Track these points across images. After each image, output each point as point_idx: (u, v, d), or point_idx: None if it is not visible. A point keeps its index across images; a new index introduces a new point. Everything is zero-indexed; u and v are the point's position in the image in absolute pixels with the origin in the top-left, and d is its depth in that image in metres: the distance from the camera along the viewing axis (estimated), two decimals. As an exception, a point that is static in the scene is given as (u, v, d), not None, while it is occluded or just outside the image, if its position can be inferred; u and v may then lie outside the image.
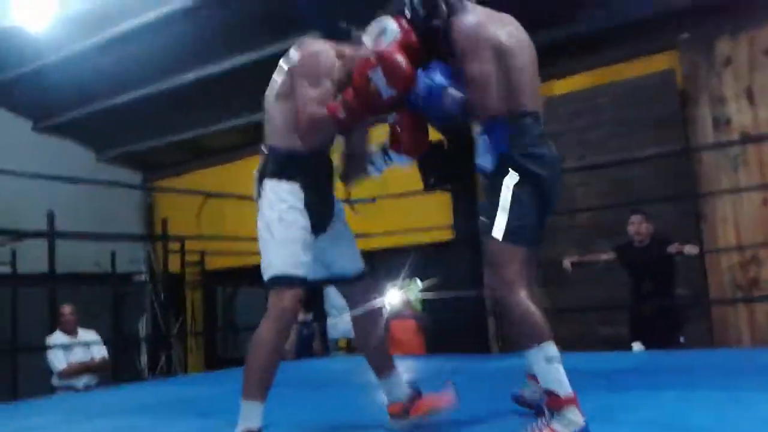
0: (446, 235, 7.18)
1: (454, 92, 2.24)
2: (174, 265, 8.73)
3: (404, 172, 7.18)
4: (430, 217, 6.97)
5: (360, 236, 6.34)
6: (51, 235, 6.02)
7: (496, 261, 2.18)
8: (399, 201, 6.55)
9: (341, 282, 2.51)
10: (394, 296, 6.47)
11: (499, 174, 2.22)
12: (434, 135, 7.74)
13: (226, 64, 6.96)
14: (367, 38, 2.32)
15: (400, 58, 2.18)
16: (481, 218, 2.26)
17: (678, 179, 5.74)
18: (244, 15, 6.29)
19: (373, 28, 2.33)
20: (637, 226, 4.85)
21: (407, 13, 2.32)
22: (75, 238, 6.97)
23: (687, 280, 5.33)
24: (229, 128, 8.45)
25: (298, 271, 2.22)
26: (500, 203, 2.18)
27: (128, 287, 9.46)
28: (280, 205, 2.25)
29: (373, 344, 2.50)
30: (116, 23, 6.54)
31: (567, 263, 5.09)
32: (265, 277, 2.24)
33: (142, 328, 9.53)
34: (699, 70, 5.86)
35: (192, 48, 6.82)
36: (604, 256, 5.16)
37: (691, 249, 4.71)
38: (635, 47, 6.20)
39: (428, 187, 6.96)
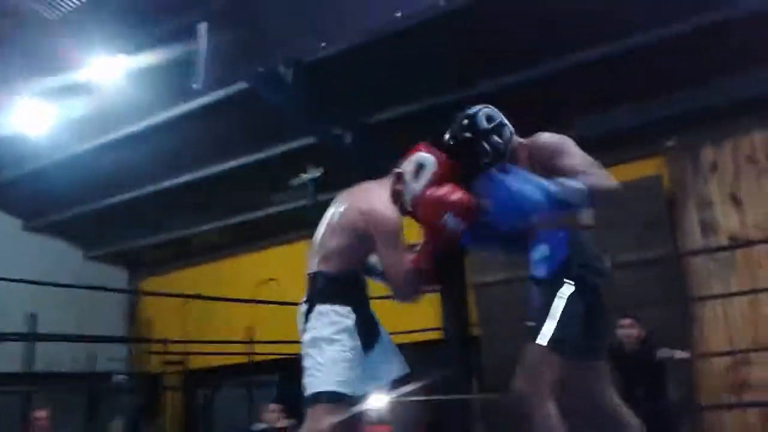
0: (435, 335, 7.11)
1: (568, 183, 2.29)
2: (155, 365, 8.53)
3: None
4: (419, 318, 6.92)
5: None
6: (32, 337, 5.90)
7: (534, 366, 2.16)
8: (387, 304, 6.52)
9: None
10: (378, 400, 6.32)
11: (555, 281, 2.23)
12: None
13: (221, 167, 7.13)
14: (407, 174, 2.42)
15: (465, 197, 2.26)
16: (529, 322, 2.22)
17: (665, 283, 5.78)
18: (231, 125, 6.52)
19: (410, 163, 2.42)
20: (627, 330, 4.84)
21: (467, 134, 2.44)
22: (56, 340, 6.84)
23: (678, 384, 5.27)
24: (215, 228, 8.56)
25: (343, 389, 2.27)
26: (551, 311, 2.18)
27: (106, 386, 9.18)
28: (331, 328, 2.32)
29: None
30: (111, 129, 6.74)
31: None
32: (308, 393, 2.28)
33: (117, 430, 9.16)
34: (685, 176, 6.04)
35: (187, 152, 7.01)
36: None
37: (681, 354, 4.69)
38: (622, 153, 6.41)
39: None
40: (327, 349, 2.28)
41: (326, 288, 2.38)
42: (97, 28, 5.07)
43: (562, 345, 2.16)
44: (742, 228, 5.71)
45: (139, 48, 5.26)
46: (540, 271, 2.29)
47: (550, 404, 2.10)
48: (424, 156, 2.41)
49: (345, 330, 2.32)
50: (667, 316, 5.55)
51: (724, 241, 5.73)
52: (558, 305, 2.19)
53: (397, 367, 2.51)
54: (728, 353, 5.48)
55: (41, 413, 5.37)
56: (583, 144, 6.58)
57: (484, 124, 2.44)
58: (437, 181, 2.33)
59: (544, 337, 2.17)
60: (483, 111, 2.50)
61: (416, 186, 2.38)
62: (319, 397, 2.24)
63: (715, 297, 5.58)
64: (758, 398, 5.40)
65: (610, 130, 5.99)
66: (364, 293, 2.46)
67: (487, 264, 6.78)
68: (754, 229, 5.66)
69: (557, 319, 2.17)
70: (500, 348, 6.51)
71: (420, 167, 2.40)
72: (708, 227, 5.83)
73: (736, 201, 5.79)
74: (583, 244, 2.29)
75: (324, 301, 2.36)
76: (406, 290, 2.38)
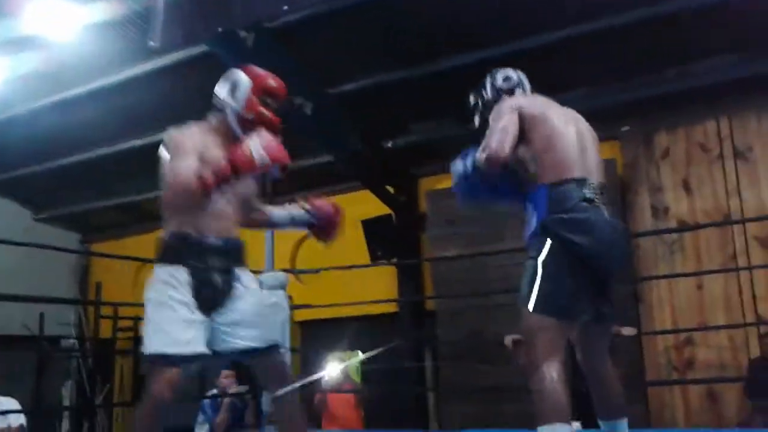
0: (390, 308, 7.18)
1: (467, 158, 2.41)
2: (105, 330, 8.41)
3: (350, 244, 7.19)
4: (377, 289, 6.97)
5: (303, 307, 6.31)
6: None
7: (526, 332, 2.17)
8: (344, 273, 6.55)
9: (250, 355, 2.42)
10: (333, 369, 6.37)
11: (537, 242, 2.21)
12: (382, 209, 7.90)
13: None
14: (221, 90, 2.50)
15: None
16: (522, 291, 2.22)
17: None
18: (189, 89, 6.36)
19: (225, 81, 2.51)
20: None
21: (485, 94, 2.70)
22: (4, 300, 6.66)
23: (624, 361, 5.43)
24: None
25: (175, 349, 2.22)
26: (530, 273, 2.18)
27: (55, 351, 9.04)
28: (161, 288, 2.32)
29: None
30: (66, 87, 6.50)
31: (508, 340, 5.13)
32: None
33: (67, 393, 9.06)
34: (638, 161, 6.17)
35: (139, 115, 6.83)
36: None
37: (628, 330, 4.82)
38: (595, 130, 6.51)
39: (375, 259, 7.01)
40: (157, 310, 2.29)
41: (159, 251, 2.40)
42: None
43: (545, 305, 2.13)
44: (692, 213, 5.89)
45: (93, -1, 5.09)
46: (525, 234, 2.30)
47: (546, 367, 2.08)
48: (238, 74, 2.49)
49: (175, 290, 2.28)
50: (615, 294, 5.70)
51: (673, 225, 5.90)
52: (535, 265, 2.18)
53: (257, 336, 2.38)
54: (673, 331, 5.68)
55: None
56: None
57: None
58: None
59: (527, 301, 2.16)
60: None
61: (235, 104, 2.45)
62: (153, 359, 2.25)
63: (662, 277, 5.75)
64: (701, 376, 5.62)
65: (580, 108, 6.06)
66: (205, 254, 2.35)
67: (443, 239, 6.85)
68: (703, 215, 5.84)
69: (539, 279, 2.15)
70: (456, 322, 6.63)
71: (234, 86, 2.47)
72: (659, 211, 5.98)
73: (686, 187, 5.95)
74: (565, 199, 2.20)
75: (157, 263, 2.38)
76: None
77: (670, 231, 5.83)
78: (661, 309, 5.83)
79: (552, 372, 2.07)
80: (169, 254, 2.36)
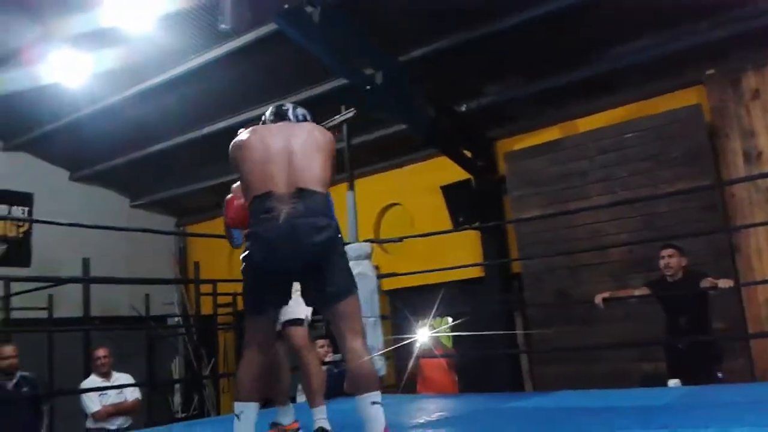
0: (476, 273, 7.16)
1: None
2: (206, 307, 8.82)
3: (431, 211, 7.19)
4: (461, 255, 6.97)
5: (389, 275, 6.39)
6: (86, 280, 6.15)
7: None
8: (428, 240, 6.58)
9: None
10: (424, 334, 6.44)
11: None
12: (461, 174, 7.83)
13: (256, 112, 7.14)
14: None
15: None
16: None
17: (708, 213, 5.67)
18: (262, 69, 6.50)
19: None
20: (668, 260, 4.78)
21: None
22: (109, 283, 7.11)
23: (724, 314, 5.22)
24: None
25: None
26: None
27: (162, 330, 9.58)
28: None
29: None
30: (148, 77, 6.78)
31: (599, 299, 5.02)
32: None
33: (176, 369, 9.61)
34: (727, 105, 5.83)
35: (221, 98, 7.04)
36: (637, 292, 5.07)
37: (725, 282, 4.61)
38: (662, 83, 6.22)
39: (457, 224, 6.99)
40: None
41: None
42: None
43: (244, 304, 2.58)
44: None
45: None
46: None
47: (248, 352, 2.51)
48: None
49: None
50: (710, 246, 5.46)
51: (767, 169, 5.55)
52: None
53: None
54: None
55: (101, 351, 5.63)
56: (618, 76, 6.46)
57: None
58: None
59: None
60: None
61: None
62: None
63: (758, 225, 5.44)
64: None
65: (646, 59, 5.79)
66: None
67: (525, 200, 6.74)
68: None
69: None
70: (542, 283, 6.55)
71: None
72: (751, 156, 5.65)
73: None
74: (252, 214, 2.51)
75: None
76: None
77: (764, 176, 5.46)
78: (760, 258, 5.53)
79: (250, 356, 2.50)
80: None
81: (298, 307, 2.85)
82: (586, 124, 6.68)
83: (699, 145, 5.86)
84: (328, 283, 2.42)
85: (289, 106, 2.86)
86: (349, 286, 2.46)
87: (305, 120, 2.81)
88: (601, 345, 5.90)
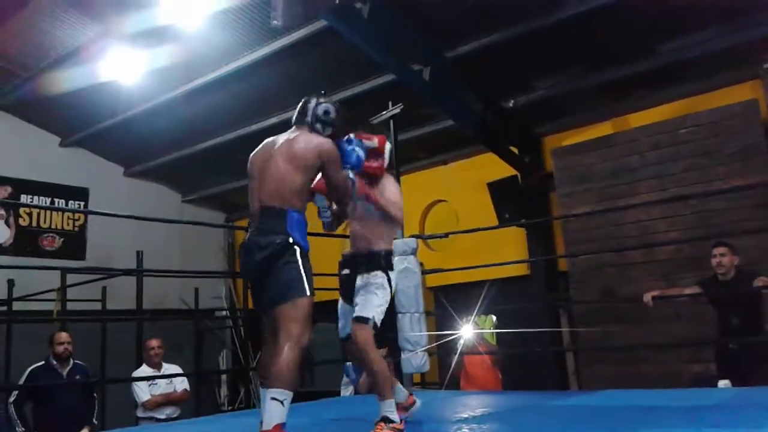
0: (522, 270, 7.11)
1: None
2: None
3: (477, 208, 7.12)
4: (506, 252, 6.92)
5: (434, 271, 6.38)
6: (139, 273, 6.32)
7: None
8: (473, 236, 6.55)
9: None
10: (468, 331, 6.42)
11: None
12: (508, 170, 7.75)
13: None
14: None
15: None
16: None
17: (762, 211, 5.49)
18: (310, 63, 6.56)
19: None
20: (720, 258, 4.66)
21: None
22: (161, 276, 7.29)
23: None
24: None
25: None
26: None
27: (209, 322, 9.78)
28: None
29: None
30: (200, 74, 6.93)
31: (648, 298, 4.92)
32: None
33: (223, 361, 9.79)
34: (785, 100, 5.65)
35: (271, 95, 7.14)
36: (688, 291, 4.96)
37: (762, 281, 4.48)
38: (717, 78, 6.06)
39: (503, 221, 6.94)
40: None
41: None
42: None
43: None
44: None
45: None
46: None
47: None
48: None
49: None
50: (763, 244, 5.29)
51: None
52: None
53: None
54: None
55: (154, 342, 5.77)
56: (672, 71, 6.29)
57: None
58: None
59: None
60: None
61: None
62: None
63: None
64: None
65: (702, 53, 5.64)
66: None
67: (572, 197, 6.66)
68: None
69: None
70: (589, 281, 6.46)
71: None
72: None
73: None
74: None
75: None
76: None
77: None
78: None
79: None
80: None
81: (364, 307, 2.97)
82: (639, 119, 6.55)
83: (755, 141, 5.69)
84: (267, 293, 2.69)
85: (311, 102, 2.96)
86: (284, 294, 2.64)
87: (326, 117, 2.93)
88: (651, 344, 5.78)
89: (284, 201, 2.71)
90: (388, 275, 3.07)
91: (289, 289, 2.62)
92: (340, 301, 3.20)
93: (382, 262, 3.07)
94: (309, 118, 2.92)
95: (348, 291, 3.12)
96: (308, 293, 2.65)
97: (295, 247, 2.68)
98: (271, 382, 2.50)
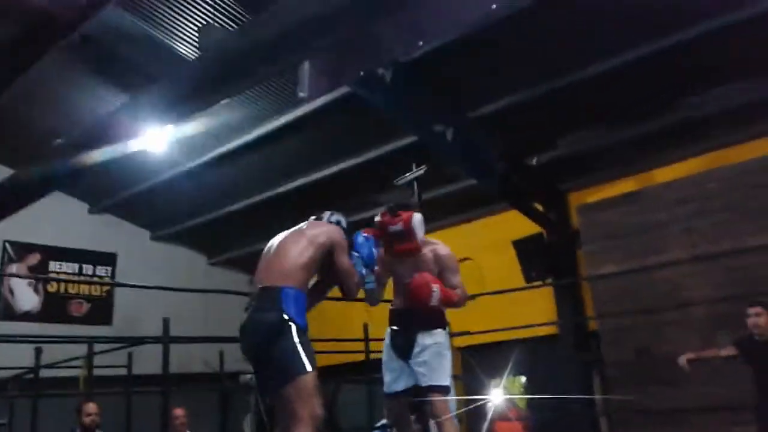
0: (551, 330, 6.96)
1: None
2: (279, 364, 8.85)
3: (503, 267, 7.05)
4: (534, 311, 6.81)
5: (461, 334, 6.28)
6: (166, 340, 6.29)
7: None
8: (500, 296, 6.46)
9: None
10: (497, 396, 6.27)
11: None
12: (533, 228, 7.69)
13: (328, 171, 7.33)
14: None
15: None
16: None
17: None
18: (335, 130, 6.69)
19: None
20: (755, 319, 4.51)
21: None
22: (188, 342, 7.25)
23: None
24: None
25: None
26: None
27: (235, 386, 9.66)
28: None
29: None
30: (226, 141, 7.08)
31: (683, 360, 4.76)
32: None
33: (247, 426, 9.62)
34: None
35: (296, 159, 7.27)
36: (724, 352, 4.79)
37: None
38: (743, 131, 6.01)
39: (530, 280, 6.85)
40: None
41: None
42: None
43: None
44: None
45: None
46: None
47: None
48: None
49: (386, 345, 3.24)
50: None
51: None
52: None
53: (424, 378, 3.04)
54: None
55: (179, 411, 5.72)
56: (697, 125, 6.22)
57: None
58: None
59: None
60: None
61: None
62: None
63: None
64: None
65: (727, 107, 5.62)
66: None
67: (600, 254, 6.56)
68: None
69: None
70: (622, 341, 6.29)
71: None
72: None
73: None
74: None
75: None
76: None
77: None
78: None
79: None
80: None
81: (439, 375, 2.98)
82: (664, 174, 6.49)
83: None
84: (270, 373, 2.72)
85: (326, 214, 3.18)
86: (285, 375, 2.63)
87: (338, 224, 3.09)
88: (689, 408, 5.57)
89: (282, 278, 2.77)
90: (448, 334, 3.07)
91: (290, 370, 2.62)
92: (387, 356, 3.16)
93: (444, 319, 3.04)
94: (325, 219, 3.12)
95: (401, 347, 3.07)
96: (308, 368, 2.62)
97: (290, 323, 2.68)
98: None
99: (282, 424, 2.65)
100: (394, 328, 3.14)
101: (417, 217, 3.13)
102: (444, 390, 2.90)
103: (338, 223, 3.09)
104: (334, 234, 2.91)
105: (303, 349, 2.65)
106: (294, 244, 2.86)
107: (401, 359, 3.05)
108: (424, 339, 3.01)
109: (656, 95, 5.85)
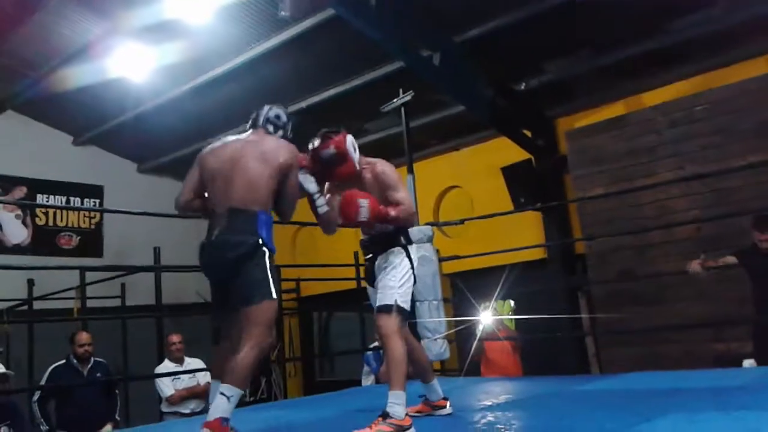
0: (539, 254, 7.06)
1: None
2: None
3: (492, 193, 7.06)
4: (522, 236, 6.88)
5: (451, 258, 6.35)
6: (157, 269, 6.33)
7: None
8: (489, 222, 6.51)
9: None
10: (487, 317, 6.40)
11: None
12: (521, 154, 7.69)
13: (316, 99, 7.21)
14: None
15: None
16: None
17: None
18: (318, 53, 6.53)
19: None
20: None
21: None
22: (178, 271, 7.30)
23: None
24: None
25: None
26: None
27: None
28: None
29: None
30: (209, 69, 6.93)
31: (696, 267, 4.76)
32: None
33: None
34: (802, 71, 5.54)
35: (280, 86, 7.11)
36: (722, 261, 4.82)
37: None
38: (731, 53, 5.95)
39: (518, 206, 6.89)
40: None
41: None
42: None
43: None
44: None
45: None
46: None
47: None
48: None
49: None
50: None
51: None
52: None
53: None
54: None
55: (175, 337, 5.80)
56: (685, 48, 6.15)
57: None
58: None
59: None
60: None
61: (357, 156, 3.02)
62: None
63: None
64: None
65: (714, 29, 5.54)
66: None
67: (587, 178, 6.59)
68: None
69: None
70: (607, 263, 6.40)
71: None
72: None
73: None
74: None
75: None
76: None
77: None
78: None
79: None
80: None
81: (384, 294, 2.91)
82: (652, 98, 6.46)
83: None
84: (233, 293, 2.69)
85: (263, 110, 3.04)
86: (250, 296, 2.63)
87: (277, 121, 3.01)
88: (672, 326, 5.73)
89: (255, 202, 2.70)
90: (407, 250, 2.99)
91: (256, 292, 2.62)
92: (369, 288, 3.16)
93: (401, 238, 3.00)
94: (261, 121, 2.98)
95: (371, 275, 3.07)
96: (274, 296, 2.64)
97: (264, 249, 2.67)
98: (224, 377, 2.51)
99: (228, 343, 2.68)
100: (366, 257, 3.15)
101: (349, 138, 3.03)
102: (386, 309, 2.84)
103: (284, 126, 3.03)
104: (293, 153, 2.85)
105: (272, 276, 2.67)
106: (257, 162, 2.75)
107: (372, 286, 3.08)
108: (380, 262, 3.00)
109: (642, 19, 5.75)
